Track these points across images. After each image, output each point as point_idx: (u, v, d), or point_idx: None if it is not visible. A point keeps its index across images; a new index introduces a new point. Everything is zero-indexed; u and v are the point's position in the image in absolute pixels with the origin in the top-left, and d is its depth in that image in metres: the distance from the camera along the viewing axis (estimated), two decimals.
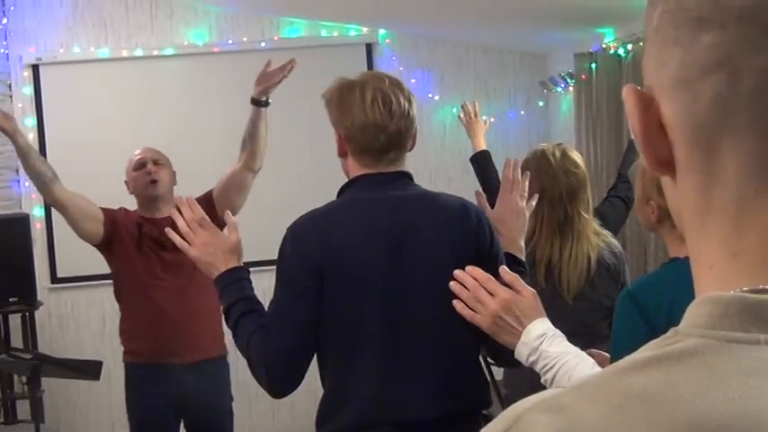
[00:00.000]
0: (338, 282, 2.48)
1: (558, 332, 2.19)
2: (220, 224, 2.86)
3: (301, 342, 2.50)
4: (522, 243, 2.84)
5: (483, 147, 4.60)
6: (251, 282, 2.67)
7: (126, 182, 4.35)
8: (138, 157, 4.30)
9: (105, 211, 4.25)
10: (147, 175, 4.23)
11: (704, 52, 0.70)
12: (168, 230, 2.73)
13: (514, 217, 2.82)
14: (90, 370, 3.95)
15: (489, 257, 2.55)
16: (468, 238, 2.57)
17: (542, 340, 2.16)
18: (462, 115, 4.81)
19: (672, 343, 0.70)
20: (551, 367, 2.12)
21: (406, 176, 2.65)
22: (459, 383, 2.56)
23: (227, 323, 2.65)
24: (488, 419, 2.59)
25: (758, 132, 0.69)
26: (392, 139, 2.56)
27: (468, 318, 2.25)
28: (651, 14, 0.76)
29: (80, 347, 6.74)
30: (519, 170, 2.88)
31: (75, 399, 6.85)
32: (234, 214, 2.85)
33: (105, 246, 4.28)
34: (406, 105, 2.59)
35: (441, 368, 2.53)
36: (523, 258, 2.82)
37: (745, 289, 0.69)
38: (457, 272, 2.27)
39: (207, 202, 3.99)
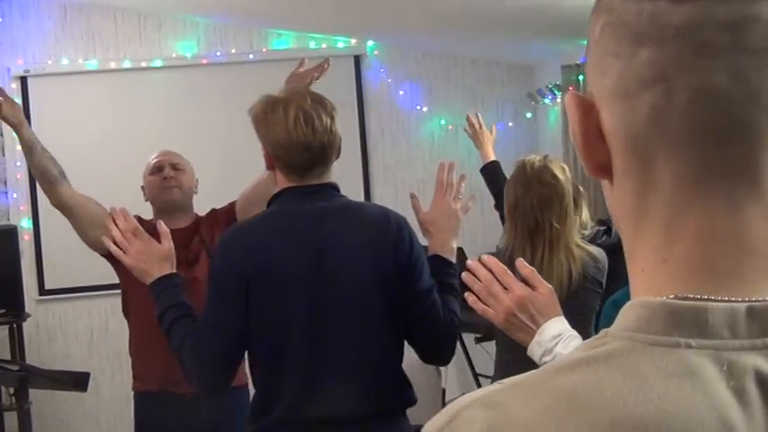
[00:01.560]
0: (263, 289, 2.61)
1: (575, 333, 2.12)
2: None
3: (229, 346, 2.65)
4: (454, 245, 2.93)
5: (492, 157, 4.61)
6: (183, 287, 2.84)
7: (142, 187, 4.03)
8: (156, 160, 4.00)
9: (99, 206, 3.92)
10: (164, 180, 3.90)
11: (642, 67, 0.74)
12: (104, 239, 2.87)
13: (446, 218, 2.91)
14: (77, 382, 3.93)
15: (408, 264, 2.69)
16: (387, 246, 2.68)
17: (557, 341, 2.09)
18: (467, 127, 4.80)
19: (601, 344, 0.74)
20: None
21: (332, 188, 2.75)
22: (379, 384, 2.69)
23: (161, 328, 2.78)
24: None
25: (691, 144, 0.73)
26: (316, 155, 2.67)
27: (480, 312, 2.20)
28: (594, 24, 0.80)
29: (68, 359, 6.72)
30: (453, 173, 2.96)
31: (64, 411, 6.83)
32: None
33: (113, 257, 3.97)
34: (328, 121, 2.68)
35: (362, 370, 2.65)
36: (454, 260, 2.92)
37: (671, 296, 0.73)
38: (470, 262, 2.25)
39: (229, 213, 3.85)
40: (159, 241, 2.89)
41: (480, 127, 4.74)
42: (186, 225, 3.89)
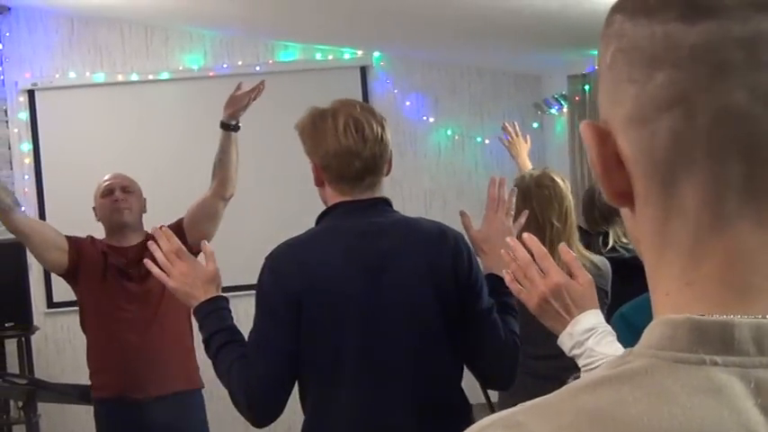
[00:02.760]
0: (317, 311, 2.47)
1: (609, 329, 2.03)
2: (192, 252, 2.83)
3: (281, 371, 2.49)
4: None
5: (529, 166, 4.59)
6: (230, 311, 2.67)
7: (93, 208, 4.20)
8: (107, 183, 4.14)
9: (70, 239, 4.09)
10: (115, 202, 4.08)
11: (659, 91, 0.73)
12: (147, 262, 2.71)
13: (500, 236, 2.70)
14: (84, 395, 3.94)
15: (468, 282, 2.55)
16: (446, 263, 2.55)
17: (590, 335, 1.99)
18: (503, 136, 4.79)
19: (625, 363, 0.73)
20: (594, 368, 1.92)
21: (384, 202, 2.64)
22: (438, 411, 2.55)
23: (207, 353, 2.63)
24: None
25: (714, 167, 0.72)
26: (367, 164, 2.56)
27: (514, 292, 2.10)
28: (605, 52, 0.79)
29: (77, 372, 6.69)
30: (504, 188, 2.84)
31: (72, 424, 6.82)
32: (208, 241, 2.86)
33: (70, 275, 4.09)
34: (379, 130, 2.58)
35: (420, 396, 2.52)
36: None
37: (696, 315, 0.71)
38: (509, 239, 2.14)
39: (178, 229, 3.85)
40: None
41: (517, 135, 4.72)
42: (137, 242, 4.05)
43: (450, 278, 2.54)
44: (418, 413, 2.51)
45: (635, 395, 0.69)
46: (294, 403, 2.57)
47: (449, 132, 7.15)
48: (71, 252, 4.02)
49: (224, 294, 2.68)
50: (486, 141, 7.17)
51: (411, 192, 7.03)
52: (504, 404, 3.68)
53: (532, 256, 2.10)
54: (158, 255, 2.68)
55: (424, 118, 7.17)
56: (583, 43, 5.77)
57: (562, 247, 2.16)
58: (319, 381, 2.52)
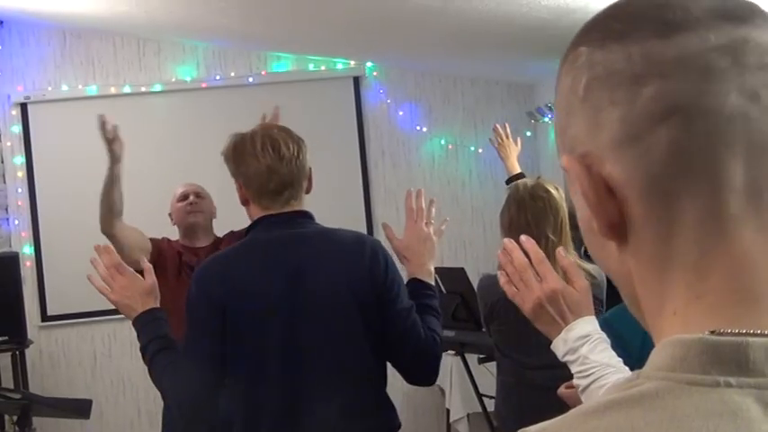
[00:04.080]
0: (239, 317, 2.63)
1: (603, 336, 2.02)
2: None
3: (207, 375, 2.66)
4: (432, 267, 2.96)
5: (517, 169, 4.59)
6: (167, 321, 2.86)
7: (170, 214, 4.52)
8: (182, 190, 4.51)
9: (153, 241, 4.35)
10: (189, 205, 4.40)
11: (650, 104, 0.73)
12: (89, 276, 2.88)
13: (421, 242, 2.95)
14: (80, 409, 3.93)
15: (384, 285, 2.72)
16: (363, 268, 2.71)
17: (584, 342, 1.98)
18: (493, 137, 4.79)
19: (634, 386, 0.71)
20: (587, 375, 1.95)
21: (305, 215, 2.79)
22: (362, 409, 2.70)
23: (143, 361, 2.80)
24: None
25: (715, 174, 0.72)
26: (284, 179, 2.73)
27: (509, 295, 2.08)
28: (575, 86, 0.79)
29: (71, 385, 6.71)
30: (422, 199, 3.00)
31: None
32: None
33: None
34: (295, 149, 2.76)
35: (342, 395, 2.66)
36: (432, 282, 2.95)
37: (707, 332, 0.70)
38: (506, 241, 2.14)
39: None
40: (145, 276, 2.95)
41: (507, 138, 4.72)
42: (207, 244, 4.34)
43: (366, 282, 2.70)
44: (341, 414, 2.64)
45: (647, 419, 0.67)
46: None
47: (442, 142, 7.15)
48: (153, 252, 4.24)
49: (160, 307, 2.89)
50: (480, 150, 7.17)
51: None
52: (499, 413, 3.67)
53: (529, 259, 2.08)
54: (100, 269, 2.88)
55: (418, 128, 7.17)
56: None
57: (559, 251, 2.16)
58: (244, 386, 2.67)
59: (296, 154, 2.76)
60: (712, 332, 0.69)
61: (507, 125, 4.83)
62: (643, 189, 0.74)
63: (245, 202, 2.82)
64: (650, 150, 0.73)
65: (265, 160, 2.72)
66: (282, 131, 2.81)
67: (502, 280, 2.08)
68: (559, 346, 2.02)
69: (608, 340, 2.02)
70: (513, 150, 4.71)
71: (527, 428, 0.73)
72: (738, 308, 0.72)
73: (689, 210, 0.73)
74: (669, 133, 0.72)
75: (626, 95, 0.74)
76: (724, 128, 0.72)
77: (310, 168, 2.83)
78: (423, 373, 2.86)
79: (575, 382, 1.99)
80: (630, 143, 0.74)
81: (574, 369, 1.98)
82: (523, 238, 2.11)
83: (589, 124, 0.77)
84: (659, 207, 0.74)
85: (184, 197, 4.47)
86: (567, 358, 2.00)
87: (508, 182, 4.53)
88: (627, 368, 1.96)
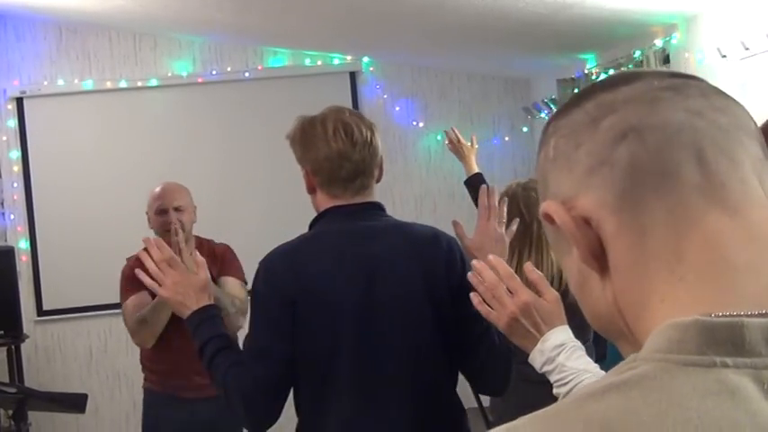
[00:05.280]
0: (310, 313, 2.48)
1: (579, 344, 2.05)
2: None
3: (277, 373, 2.50)
4: None
5: (475, 170, 4.60)
6: (222, 319, 2.70)
7: (147, 214, 4.20)
8: (159, 202, 4.13)
9: (141, 288, 3.80)
10: (168, 224, 4.05)
11: (608, 132, 0.82)
12: (138, 272, 2.72)
13: (493, 243, 2.78)
14: (75, 403, 3.92)
15: (461, 285, 2.51)
16: (439, 267, 2.57)
17: (560, 351, 2.02)
18: (447, 143, 4.82)
19: (631, 368, 0.72)
20: (566, 383, 1.98)
21: (377, 207, 2.66)
22: (433, 413, 2.57)
23: (201, 361, 2.64)
24: None
25: (674, 174, 0.79)
26: (357, 166, 2.58)
27: (483, 314, 2.11)
28: (546, 154, 0.89)
29: (67, 380, 6.71)
30: (495, 197, 2.86)
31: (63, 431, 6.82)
32: None
33: None
34: (368, 134, 2.60)
35: (414, 398, 2.53)
36: None
37: (702, 314, 0.71)
38: (475, 262, 2.15)
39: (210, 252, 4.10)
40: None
41: (459, 141, 4.74)
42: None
43: (442, 281, 2.55)
44: (412, 418, 2.51)
45: (646, 400, 0.68)
46: (288, 407, 2.58)
47: (438, 137, 7.15)
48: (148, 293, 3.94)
49: (214, 303, 2.71)
50: (476, 146, 7.16)
51: (402, 196, 7.03)
52: (495, 408, 3.68)
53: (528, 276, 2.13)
54: (150, 264, 2.69)
55: (414, 123, 7.17)
56: (572, 47, 5.78)
57: (527, 266, 2.18)
58: (313, 383, 2.52)
59: (369, 140, 2.59)
60: (708, 315, 0.71)
61: (455, 128, 4.85)
62: (614, 205, 0.81)
63: (311, 190, 2.65)
64: (614, 168, 0.81)
65: (337, 145, 2.55)
66: (354, 115, 2.65)
67: (475, 300, 2.12)
68: (536, 358, 2.05)
69: (583, 348, 2.06)
70: (470, 151, 4.72)
71: (525, 416, 0.74)
72: (721, 280, 0.75)
73: (657, 209, 0.79)
74: (628, 149, 0.81)
75: (587, 134, 0.84)
76: (675, 137, 0.80)
77: (382, 156, 2.67)
78: (495, 381, 2.69)
79: (554, 391, 2.01)
80: (597, 168, 0.82)
81: (552, 378, 2.02)
82: (491, 257, 2.15)
83: (563, 172, 0.85)
84: (630, 217, 0.80)
85: (163, 212, 4.12)
86: (545, 369, 2.04)
87: (466, 183, 4.53)
88: (603, 372, 1.97)
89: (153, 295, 3.87)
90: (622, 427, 0.67)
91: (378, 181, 2.67)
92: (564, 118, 0.87)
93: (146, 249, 2.73)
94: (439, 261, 2.57)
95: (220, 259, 4.12)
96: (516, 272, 3.29)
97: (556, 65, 6.32)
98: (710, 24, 4.52)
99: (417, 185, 7.07)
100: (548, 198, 0.86)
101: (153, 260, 2.70)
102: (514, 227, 2.91)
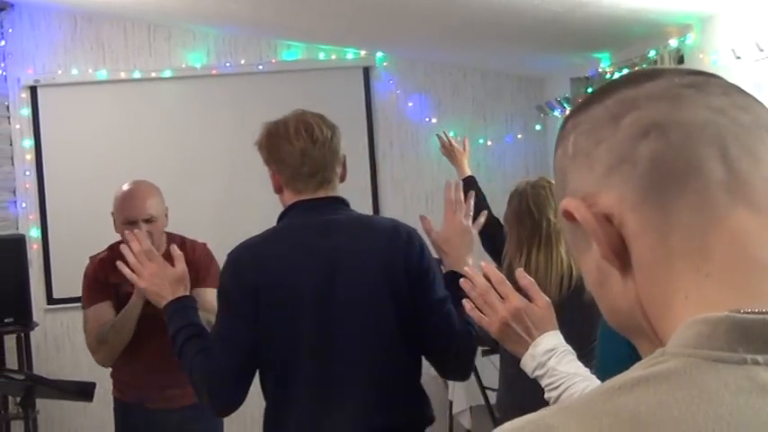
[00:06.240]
0: (272, 301, 2.60)
1: (569, 348, 2.10)
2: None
3: (240, 361, 2.63)
4: (470, 261, 2.89)
5: (468, 172, 4.61)
6: (197, 309, 2.85)
7: (113, 215, 3.85)
8: (127, 214, 3.74)
9: (104, 302, 3.86)
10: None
11: (630, 129, 0.82)
12: (119, 263, 2.87)
13: (459, 236, 2.90)
14: (83, 391, 3.93)
15: (419, 274, 2.68)
16: (398, 258, 2.67)
17: (551, 356, 2.06)
18: (440, 147, 4.82)
19: (659, 363, 0.72)
20: (557, 386, 2.03)
21: (339, 201, 2.77)
22: (393, 399, 2.67)
23: (174, 349, 2.77)
24: None
25: (698, 171, 0.78)
26: (317, 162, 2.71)
27: (476, 320, 2.18)
28: (565, 150, 0.89)
29: (76, 368, 6.72)
30: (461, 191, 2.95)
31: (70, 420, 6.83)
32: None
33: None
34: (329, 133, 2.74)
35: (373, 384, 2.63)
36: None
37: (732, 310, 0.71)
38: (467, 269, 2.25)
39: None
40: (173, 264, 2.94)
41: (451, 144, 4.74)
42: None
43: (401, 272, 2.66)
44: (373, 406, 2.62)
45: (676, 395, 0.68)
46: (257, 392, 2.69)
47: (451, 134, 7.12)
48: (113, 301, 3.86)
49: (190, 295, 2.89)
50: (489, 143, 7.17)
51: (413, 192, 7.03)
52: (501, 405, 3.67)
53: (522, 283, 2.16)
54: (129, 256, 2.88)
55: (427, 119, 7.16)
56: (586, 46, 5.77)
57: (519, 272, 2.21)
58: (275, 371, 2.65)
59: (329, 138, 2.74)
60: (738, 311, 0.71)
61: (446, 131, 4.85)
62: (636, 203, 0.80)
63: (278, 190, 2.80)
64: (636, 165, 0.81)
65: (299, 143, 2.70)
66: (316, 116, 2.79)
67: (467, 307, 2.17)
68: (528, 363, 2.09)
69: (574, 353, 2.09)
70: (462, 154, 4.73)
71: (550, 407, 0.75)
72: (748, 278, 0.75)
73: (681, 206, 0.78)
74: (650, 146, 0.80)
75: (608, 131, 0.84)
76: (698, 133, 0.80)
77: (345, 156, 2.81)
78: (456, 365, 2.82)
79: (546, 395, 2.05)
80: (619, 165, 0.82)
81: (544, 382, 2.06)
82: (484, 264, 2.21)
83: (583, 169, 0.86)
84: (653, 214, 0.80)
85: (131, 223, 3.69)
86: (536, 373, 2.08)
87: None
88: (593, 376, 2.05)
89: (116, 304, 3.80)
90: (653, 422, 0.67)
91: (342, 180, 2.81)
92: (583, 114, 0.87)
93: (127, 243, 2.92)
94: (397, 252, 2.68)
95: (195, 266, 3.66)
96: (524, 269, 3.30)
97: (570, 63, 6.30)
98: (726, 25, 4.50)
99: (428, 181, 7.05)
100: (566, 195, 0.86)
101: (133, 252, 2.89)
102: (482, 219, 3.00)
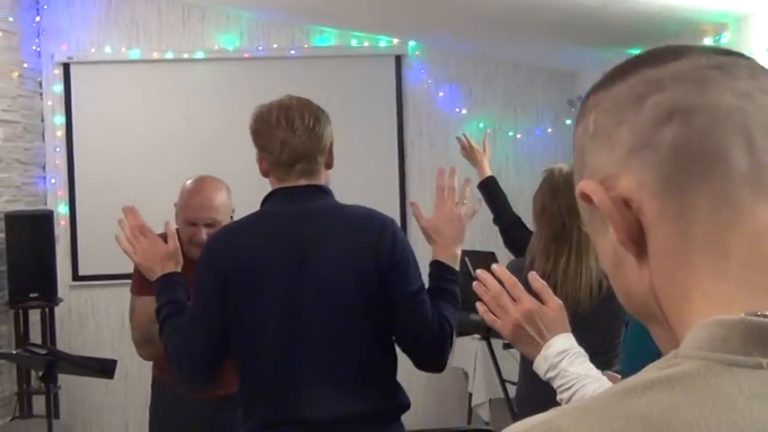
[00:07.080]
0: (240, 288, 2.65)
1: (581, 350, 2.10)
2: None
3: (207, 342, 2.69)
4: (458, 251, 2.87)
5: (488, 173, 4.60)
6: (185, 287, 2.91)
7: (175, 206, 3.70)
8: (192, 214, 3.58)
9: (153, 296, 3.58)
10: (195, 236, 3.54)
11: (653, 111, 0.80)
12: (117, 236, 2.99)
13: (449, 224, 2.86)
14: (104, 368, 3.95)
15: (390, 265, 2.67)
16: (367, 246, 2.67)
17: (563, 357, 2.07)
18: (460, 149, 4.81)
19: (673, 365, 0.70)
20: (568, 388, 2.03)
21: (319, 189, 2.77)
22: (362, 384, 2.68)
23: (157, 322, 2.88)
24: None
25: (721, 159, 0.76)
26: (297, 151, 2.72)
27: (489, 323, 2.17)
28: (585, 128, 0.87)
29: (99, 345, 6.77)
30: (454, 177, 2.94)
31: (91, 396, 6.88)
32: None
33: None
34: (311, 121, 2.74)
35: (340, 371, 2.65)
36: (457, 267, 2.86)
37: (747, 313, 0.70)
38: (479, 272, 2.20)
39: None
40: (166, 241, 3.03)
41: (471, 146, 4.73)
42: None
43: (371, 261, 2.66)
44: (339, 393, 2.63)
45: (689, 399, 0.67)
46: None
47: (481, 125, 7.11)
48: None
49: (180, 272, 2.96)
50: (519, 136, 7.14)
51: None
52: (520, 398, 3.67)
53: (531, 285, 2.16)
54: (126, 231, 3.01)
55: (457, 109, 7.14)
56: (620, 42, 5.73)
57: (531, 275, 2.20)
58: (245, 356, 2.71)
59: (311, 125, 2.73)
60: (755, 314, 0.70)
61: (466, 135, 4.82)
62: (656, 189, 0.78)
63: (265, 174, 2.84)
64: (658, 150, 0.78)
65: (278, 132, 2.73)
66: (301, 102, 2.79)
67: (480, 309, 2.17)
68: (541, 365, 2.10)
69: (586, 354, 2.10)
70: (482, 156, 4.71)
71: (560, 407, 0.73)
72: (766, 278, 0.73)
73: (702, 196, 0.76)
74: (673, 131, 0.78)
75: (630, 113, 0.81)
76: (724, 120, 0.77)
77: (331, 143, 2.80)
78: (426, 357, 2.76)
79: (558, 396, 2.06)
80: (640, 149, 0.80)
81: (556, 384, 2.07)
82: (495, 267, 2.19)
83: (603, 149, 0.84)
84: (673, 202, 0.77)
85: (193, 224, 3.57)
86: (549, 375, 2.08)
87: (479, 186, 4.50)
88: (604, 378, 2.06)
89: None
90: (665, 425, 0.66)
91: (328, 167, 2.81)
92: (605, 92, 0.85)
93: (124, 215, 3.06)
94: (368, 240, 2.68)
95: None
96: (551, 274, 3.29)
97: (602, 58, 6.26)
98: (761, 25, 4.47)
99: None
100: (585, 174, 0.85)
101: (128, 227, 3.02)
102: (478, 206, 3.02)
